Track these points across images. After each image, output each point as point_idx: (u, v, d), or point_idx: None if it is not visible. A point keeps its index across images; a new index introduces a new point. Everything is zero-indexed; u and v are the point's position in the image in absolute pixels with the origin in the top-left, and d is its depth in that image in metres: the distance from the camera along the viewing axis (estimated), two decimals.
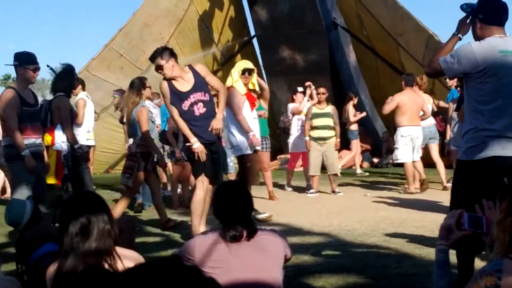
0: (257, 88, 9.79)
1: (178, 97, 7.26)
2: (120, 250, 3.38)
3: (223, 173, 8.29)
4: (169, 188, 12.19)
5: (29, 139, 7.22)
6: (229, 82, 9.28)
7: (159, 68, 7.28)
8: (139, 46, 16.30)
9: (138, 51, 16.36)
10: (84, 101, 10.93)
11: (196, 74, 7.36)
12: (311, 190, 11.88)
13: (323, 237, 7.62)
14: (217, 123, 7.32)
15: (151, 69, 16.22)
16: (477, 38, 4.96)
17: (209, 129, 7.27)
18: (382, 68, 16.81)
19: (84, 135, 10.78)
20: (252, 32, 18.03)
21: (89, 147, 10.96)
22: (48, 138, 8.40)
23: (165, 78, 7.33)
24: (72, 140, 8.40)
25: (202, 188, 7.34)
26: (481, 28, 4.94)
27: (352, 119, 15.37)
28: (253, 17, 16.90)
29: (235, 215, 3.69)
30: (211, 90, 7.68)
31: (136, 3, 16.35)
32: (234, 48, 18.34)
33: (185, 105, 7.25)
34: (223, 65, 18.04)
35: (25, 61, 7.26)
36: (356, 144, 15.76)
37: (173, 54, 7.32)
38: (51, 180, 8.34)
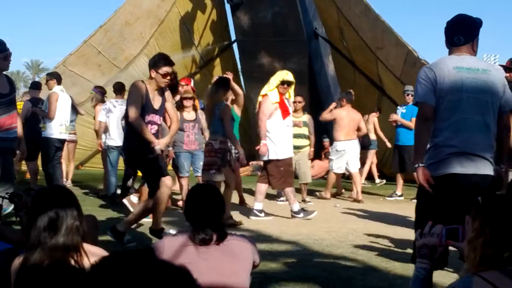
0: (292, 99, 10.38)
1: (146, 108, 7.15)
2: (87, 246, 3.37)
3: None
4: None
5: (2, 133, 6.98)
6: (265, 90, 9.66)
7: (167, 76, 7.14)
8: (119, 44, 16.23)
9: (117, 49, 16.28)
10: (56, 95, 10.87)
11: (164, 97, 7.34)
12: (282, 198, 11.90)
13: (291, 245, 7.63)
14: (162, 145, 7.28)
15: (128, 68, 16.37)
16: None
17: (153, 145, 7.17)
18: (360, 80, 16.90)
19: (57, 128, 10.70)
20: (233, 37, 18.04)
21: (61, 141, 10.90)
22: None
23: (143, 82, 7.26)
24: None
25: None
26: (447, 48, 5.10)
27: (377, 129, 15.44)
28: (234, 22, 16.90)
29: (205, 218, 3.68)
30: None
31: (118, 1, 16.25)
32: (214, 52, 18.34)
33: (147, 119, 7.17)
34: (201, 68, 18.03)
35: None
36: (373, 154, 15.76)
37: None
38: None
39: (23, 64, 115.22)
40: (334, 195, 12.94)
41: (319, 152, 16.51)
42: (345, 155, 12.47)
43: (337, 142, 12.55)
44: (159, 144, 7.14)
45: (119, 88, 11.55)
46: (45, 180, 10.82)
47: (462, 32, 5.02)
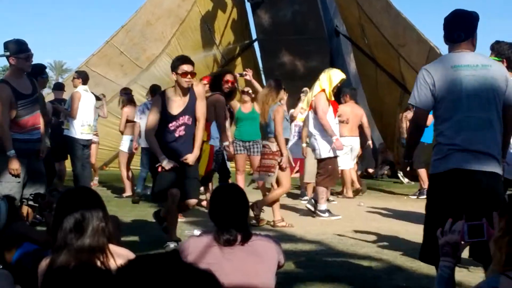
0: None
1: (166, 118, 7.22)
2: (113, 247, 3.38)
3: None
4: None
5: (25, 134, 6.97)
6: (318, 88, 9.88)
7: (187, 75, 7.11)
8: (140, 44, 16.29)
9: (139, 49, 16.34)
10: (79, 94, 10.90)
11: (192, 95, 7.29)
12: (305, 197, 11.86)
13: (315, 245, 7.61)
14: (192, 159, 7.27)
15: (151, 68, 16.41)
16: None
17: (183, 159, 7.19)
18: (381, 78, 16.80)
19: (78, 128, 10.73)
20: (254, 36, 18.02)
21: (85, 140, 10.94)
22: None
23: (162, 93, 7.43)
24: (223, 137, 9.06)
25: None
26: (447, 44, 5.05)
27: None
28: (255, 21, 16.90)
29: (230, 218, 3.67)
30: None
31: (139, 1, 16.32)
32: (235, 51, 18.33)
33: (172, 125, 7.22)
34: (223, 67, 18.02)
35: (15, 50, 6.91)
36: None
37: None
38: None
39: (46, 65, 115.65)
40: (338, 193, 12.98)
41: None
42: (350, 150, 12.62)
43: (342, 138, 12.49)
44: (165, 159, 7.13)
45: (154, 90, 11.60)
46: (72, 181, 10.86)
47: (462, 28, 4.95)
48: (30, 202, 6.64)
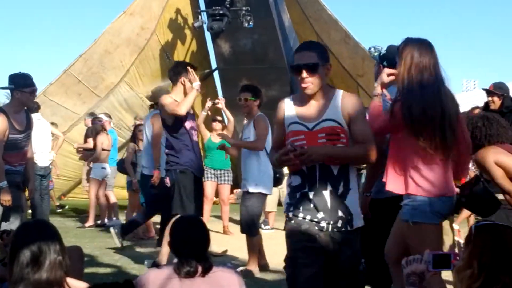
0: None
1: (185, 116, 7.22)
2: (70, 281, 3.33)
3: None
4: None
5: (6, 166, 6.78)
6: None
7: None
8: (99, 73, 16.15)
9: (97, 77, 16.20)
10: None
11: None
12: (267, 226, 11.82)
13: (277, 275, 7.55)
14: None
15: (109, 96, 16.27)
16: None
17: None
18: None
19: None
20: (214, 65, 18.04)
21: (42, 169, 10.71)
22: None
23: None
24: None
25: None
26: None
27: None
28: (215, 50, 16.91)
29: (190, 250, 3.65)
30: None
31: (97, 30, 16.23)
32: None
33: (187, 125, 7.22)
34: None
35: (21, 84, 6.84)
36: None
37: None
38: None
39: (4, 95, 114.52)
40: None
41: None
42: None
43: None
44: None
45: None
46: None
47: None
48: None
